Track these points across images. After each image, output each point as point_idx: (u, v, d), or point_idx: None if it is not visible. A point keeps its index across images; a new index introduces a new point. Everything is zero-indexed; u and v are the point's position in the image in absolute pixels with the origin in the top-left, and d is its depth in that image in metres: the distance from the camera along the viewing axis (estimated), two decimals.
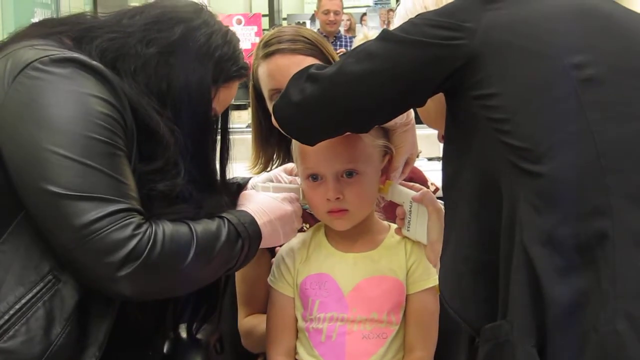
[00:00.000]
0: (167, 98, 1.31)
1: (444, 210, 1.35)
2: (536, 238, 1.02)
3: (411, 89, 1.17)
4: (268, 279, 1.54)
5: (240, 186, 1.53)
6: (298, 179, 1.52)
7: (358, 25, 8.10)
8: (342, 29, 7.09)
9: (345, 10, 7.03)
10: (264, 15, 6.66)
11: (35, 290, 1.19)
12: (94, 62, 1.23)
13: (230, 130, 1.53)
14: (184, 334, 1.61)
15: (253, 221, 1.36)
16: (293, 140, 1.47)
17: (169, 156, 1.28)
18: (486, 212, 1.10)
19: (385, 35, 1.18)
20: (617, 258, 0.99)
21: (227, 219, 1.32)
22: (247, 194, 1.48)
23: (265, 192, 1.47)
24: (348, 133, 1.34)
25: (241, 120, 3.57)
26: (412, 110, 1.45)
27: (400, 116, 1.40)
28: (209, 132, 1.40)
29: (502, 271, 1.07)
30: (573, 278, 1.00)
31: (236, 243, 1.31)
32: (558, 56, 1.08)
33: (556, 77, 1.07)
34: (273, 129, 1.79)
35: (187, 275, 1.25)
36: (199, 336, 1.59)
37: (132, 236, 1.17)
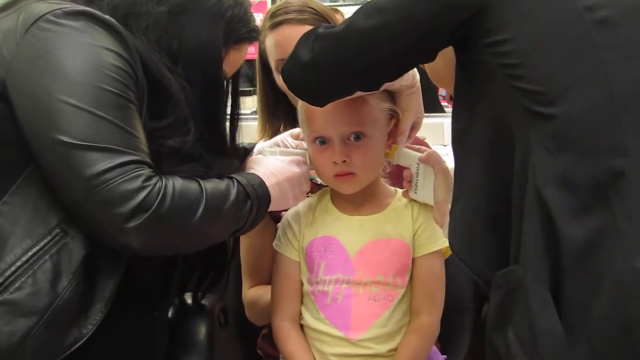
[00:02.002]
0: (178, 57, 1.31)
1: (450, 170, 1.35)
2: (550, 179, 1.01)
3: (422, 41, 1.16)
4: (274, 244, 1.54)
5: (247, 151, 1.53)
6: (304, 144, 1.52)
7: None
8: None
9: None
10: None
11: (42, 243, 1.18)
12: (107, 16, 1.23)
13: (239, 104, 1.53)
14: (189, 301, 1.61)
15: (262, 183, 1.36)
16: (299, 105, 1.47)
17: (179, 113, 1.28)
18: (498, 161, 1.10)
19: None
20: (632, 196, 0.98)
21: (237, 180, 1.32)
22: (254, 158, 1.48)
23: (273, 156, 1.48)
24: (354, 96, 1.34)
25: (245, 107, 3.54)
26: (417, 73, 1.45)
27: (406, 78, 1.41)
28: (219, 94, 1.40)
29: (514, 218, 1.06)
30: (588, 218, 0.99)
31: (245, 204, 1.31)
32: None
33: (569, 19, 1.06)
34: (280, 101, 1.80)
35: (195, 231, 1.25)
36: (203, 302, 1.59)
37: (141, 188, 1.16)
